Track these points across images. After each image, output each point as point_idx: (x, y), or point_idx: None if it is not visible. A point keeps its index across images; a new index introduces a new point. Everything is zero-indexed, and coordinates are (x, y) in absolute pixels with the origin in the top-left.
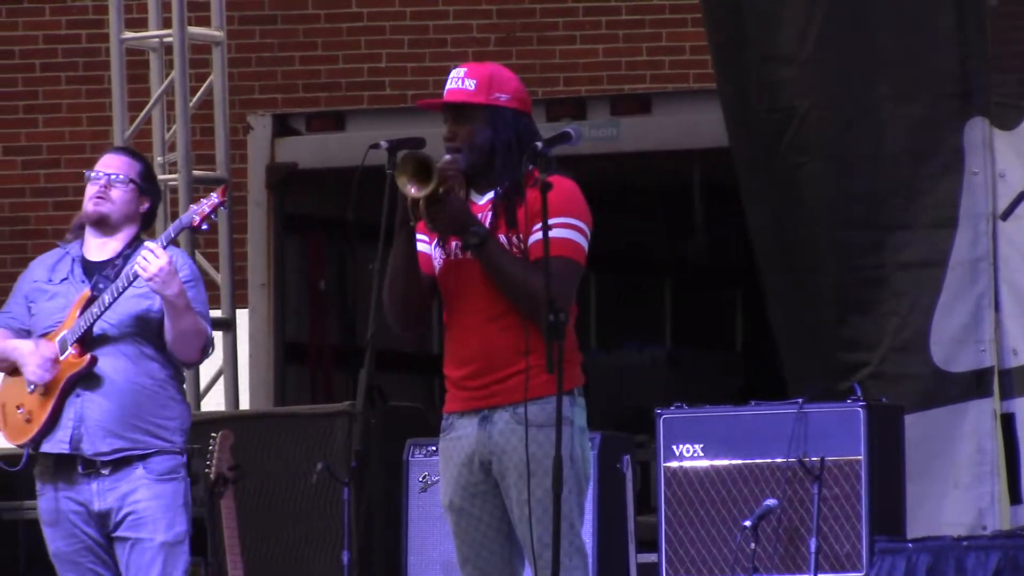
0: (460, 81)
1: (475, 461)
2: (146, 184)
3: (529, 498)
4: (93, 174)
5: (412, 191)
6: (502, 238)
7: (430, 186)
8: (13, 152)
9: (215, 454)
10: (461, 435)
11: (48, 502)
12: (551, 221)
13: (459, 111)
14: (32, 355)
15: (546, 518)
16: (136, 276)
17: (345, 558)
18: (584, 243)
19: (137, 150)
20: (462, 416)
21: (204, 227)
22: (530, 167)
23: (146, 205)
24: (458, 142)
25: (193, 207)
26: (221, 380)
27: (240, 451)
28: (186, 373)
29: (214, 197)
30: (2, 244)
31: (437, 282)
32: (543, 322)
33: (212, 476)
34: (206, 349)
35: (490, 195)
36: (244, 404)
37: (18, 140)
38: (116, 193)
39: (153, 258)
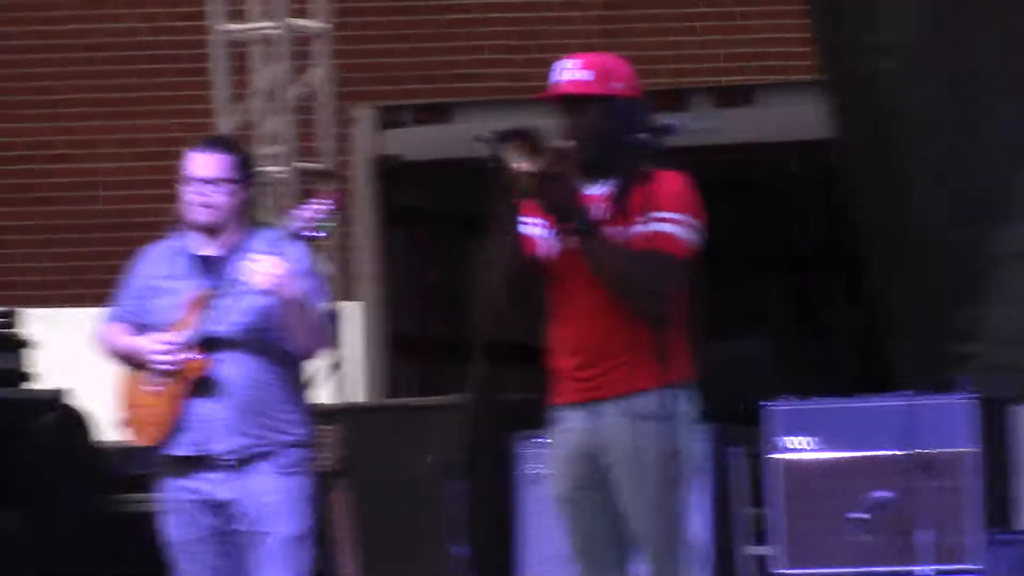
0: (575, 72)
1: (584, 454)
2: (243, 175)
3: (637, 490)
4: (190, 178)
5: (518, 165)
6: (611, 229)
7: (537, 163)
8: (117, 144)
9: (325, 447)
10: (570, 428)
11: (169, 491)
12: (658, 215)
13: (577, 102)
14: (155, 345)
15: (654, 510)
16: (249, 282)
17: (457, 550)
18: (692, 238)
19: (223, 136)
20: (571, 408)
21: (318, 233)
22: (644, 158)
23: (246, 193)
24: (578, 133)
25: (304, 211)
26: (331, 373)
27: (350, 444)
28: None
29: (325, 203)
30: (107, 236)
31: (544, 268)
32: (643, 314)
33: (322, 470)
34: (326, 341)
35: (604, 185)
36: (355, 397)
37: (121, 132)
38: (218, 198)
39: (265, 267)
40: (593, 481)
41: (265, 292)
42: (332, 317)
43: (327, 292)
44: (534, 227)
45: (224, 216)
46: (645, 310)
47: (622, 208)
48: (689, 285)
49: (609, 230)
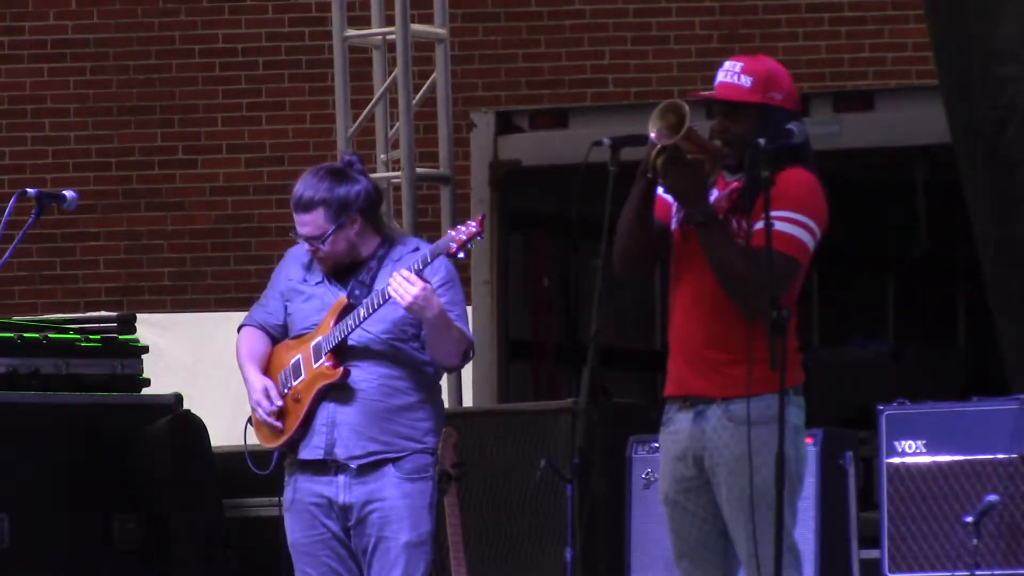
0: (736, 76)
1: (689, 456)
2: (338, 218)
3: (739, 495)
4: (294, 237)
5: (653, 135)
6: (732, 223)
7: (671, 141)
8: (236, 150)
9: (439, 451)
10: (677, 429)
11: (292, 493)
12: (778, 214)
13: (733, 107)
14: (255, 393)
15: (756, 515)
16: (390, 297)
17: (568, 555)
18: (808, 240)
19: (311, 178)
20: (679, 409)
21: (460, 255)
22: (784, 162)
23: (356, 224)
24: (728, 137)
25: (450, 232)
26: (445, 377)
27: (463, 448)
28: None
29: (472, 226)
30: (226, 242)
31: (668, 239)
32: (750, 312)
33: (436, 473)
34: (467, 354)
35: (734, 179)
36: (467, 401)
37: (241, 138)
38: (325, 249)
39: (408, 286)
40: (698, 484)
41: (411, 313)
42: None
43: (464, 299)
44: (668, 196)
45: (341, 254)
46: (752, 307)
47: (747, 204)
48: (800, 290)
49: (729, 224)
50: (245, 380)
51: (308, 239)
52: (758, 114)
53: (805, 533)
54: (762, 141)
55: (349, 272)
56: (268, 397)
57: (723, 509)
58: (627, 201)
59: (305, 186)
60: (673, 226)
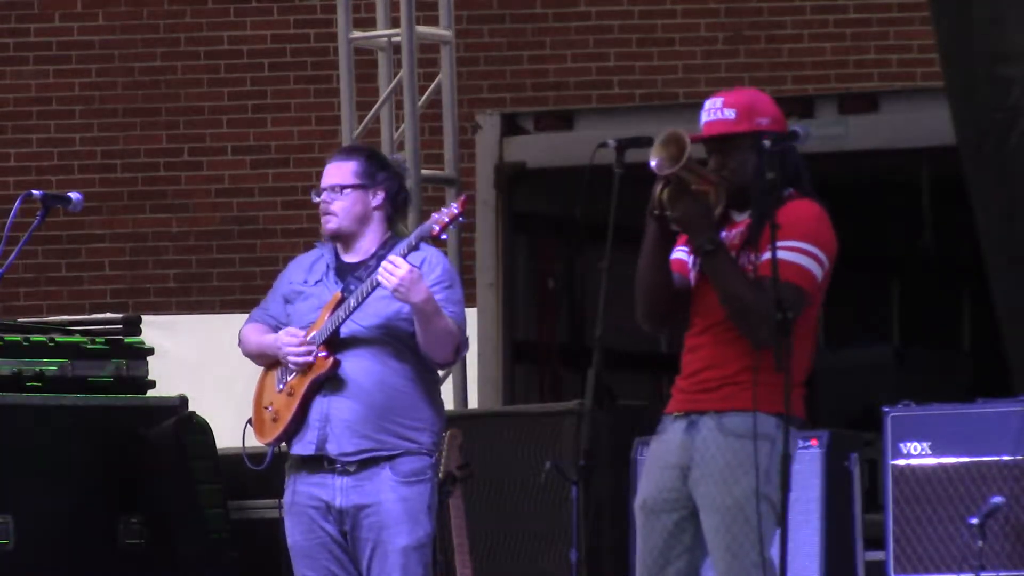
0: (719, 112)
1: (677, 467)
2: (367, 179)
3: (716, 506)
4: (314, 197)
5: (654, 164)
6: (741, 255)
7: (672, 170)
8: (242, 151)
9: (444, 453)
10: (669, 439)
11: (291, 495)
12: (786, 244)
13: (723, 142)
14: (286, 338)
15: (735, 526)
16: (379, 284)
17: (573, 557)
18: (816, 270)
19: (360, 144)
20: (674, 419)
21: (443, 236)
22: (789, 191)
23: (379, 197)
24: (726, 173)
25: (434, 215)
26: (449, 379)
27: (468, 450)
28: None
29: (454, 207)
30: (231, 243)
31: (687, 289)
32: (755, 341)
33: (441, 475)
34: (459, 349)
35: (742, 213)
36: (472, 403)
37: (246, 139)
38: (337, 205)
39: (393, 268)
40: (677, 497)
41: (398, 298)
42: (464, 327)
43: (463, 298)
44: (684, 251)
45: (347, 221)
46: (757, 336)
47: (755, 235)
48: (812, 317)
49: (738, 255)
50: (265, 349)
51: (329, 188)
52: (749, 142)
53: (810, 534)
54: (767, 143)
55: (347, 270)
56: (293, 335)
57: (705, 520)
58: (641, 256)
59: (347, 147)
60: (692, 277)
